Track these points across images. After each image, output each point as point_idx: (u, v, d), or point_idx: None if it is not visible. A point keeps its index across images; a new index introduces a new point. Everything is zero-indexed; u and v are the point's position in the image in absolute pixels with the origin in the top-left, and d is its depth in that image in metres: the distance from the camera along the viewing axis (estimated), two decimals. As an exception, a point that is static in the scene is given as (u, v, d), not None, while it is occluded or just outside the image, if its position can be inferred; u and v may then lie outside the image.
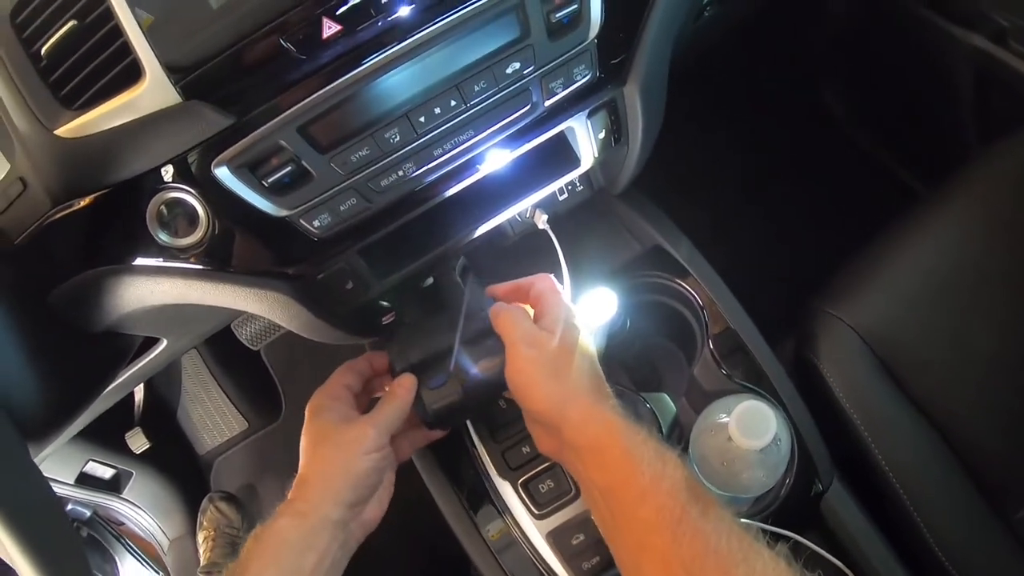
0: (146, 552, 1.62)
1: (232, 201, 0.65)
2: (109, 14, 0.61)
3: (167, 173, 0.64)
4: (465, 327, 0.75)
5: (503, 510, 0.86)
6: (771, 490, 0.84)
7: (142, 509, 1.60)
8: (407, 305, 0.80)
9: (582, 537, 0.82)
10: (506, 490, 0.86)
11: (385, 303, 0.81)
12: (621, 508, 0.61)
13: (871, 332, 0.99)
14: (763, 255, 1.53)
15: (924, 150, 1.58)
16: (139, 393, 1.60)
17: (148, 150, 0.63)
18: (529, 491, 0.85)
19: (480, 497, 0.88)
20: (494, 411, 0.87)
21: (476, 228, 0.80)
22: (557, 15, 0.66)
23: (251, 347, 1.76)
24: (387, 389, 0.75)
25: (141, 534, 1.63)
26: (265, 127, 0.62)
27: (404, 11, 0.62)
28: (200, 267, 0.69)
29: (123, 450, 1.58)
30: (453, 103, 0.66)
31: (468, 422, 0.88)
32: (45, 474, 0.69)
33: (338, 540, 0.68)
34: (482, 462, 0.87)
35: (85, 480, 1.52)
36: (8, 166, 0.67)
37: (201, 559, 1.57)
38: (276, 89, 0.62)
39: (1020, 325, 0.99)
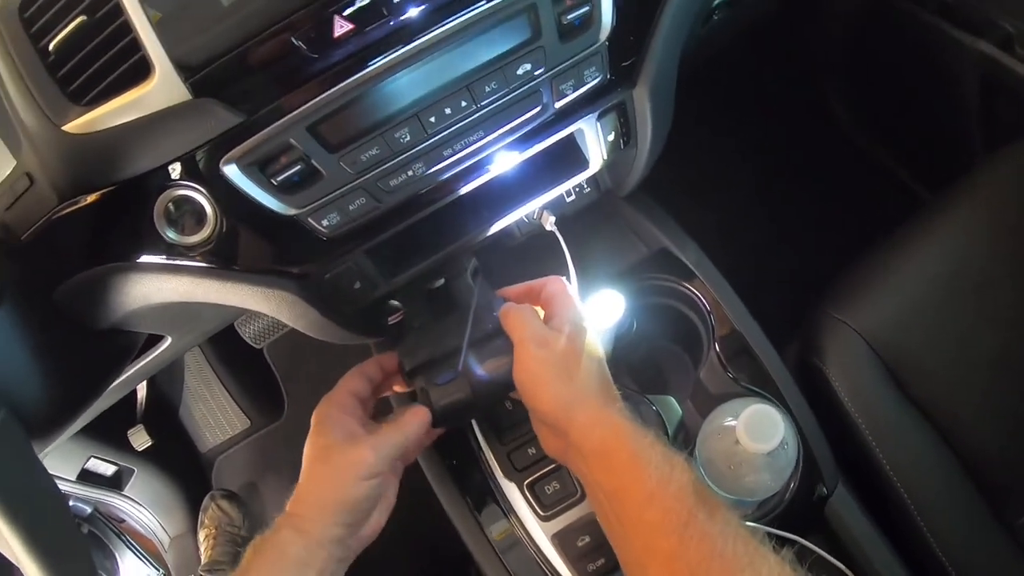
0: (147, 549, 1.61)
1: (240, 199, 0.64)
2: (119, 10, 0.61)
3: (175, 171, 0.63)
4: (474, 327, 0.75)
5: (507, 510, 0.86)
6: (776, 493, 0.84)
7: (143, 506, 1.60)
8: (417, 306, 0.80)
9: (587, 539, 0.82)
10: (512, 491, 0.86)
11: (395, 302, 0.81)
12: (627, 511, 0.61)
13: (876, 337, 0.99)
14: (769, 259, 1.54)
15: (930, 155, 1.58)
16: (142, 390, 1.60)
17: (156, 147, 0.62)
18: (535, 492, 0.85)
19: (484, 497, 0.88)
20: (500, 412, 0.87)
21: (484, 229, 0.80)
22: (569, 17, 0.66)
23: (254, 345, 1.76)
24: (399, 411, 0.74)
25: (142, 531, 1.63)
26: (275, 125, 0.61)
27: (416, 11, 0.61)
28: (207, 265, 0.68)
29: (125, 447, 1.58)
30: (464, 104, 0.66)
31: (474, 423, 0.88)
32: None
33: (336, 556, 0.68)
34: (488, 463, 0.87)
35: (87, 477, 1.52)
36: (13, 163, 0.67)
37: (202, 557, 1.57)
38: (286, 87, 0.61)
39: (1024, 332, 0.99)
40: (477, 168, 0.72)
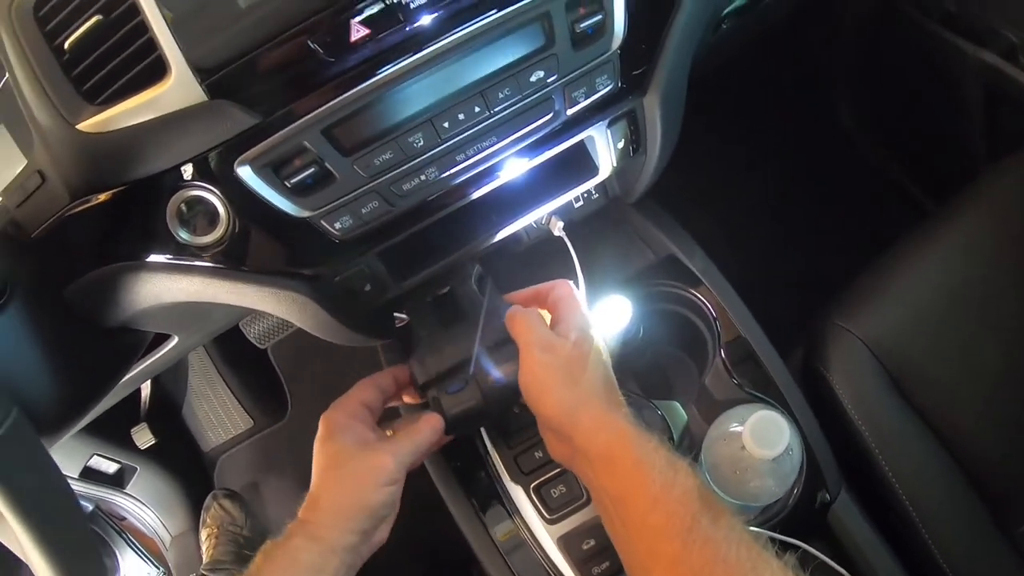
0: (148, 548, 1.61)
1: (253, 201, 0.65)
2: (135, 10, 0.61)
3: (187, 171, 0.64)
4: (484, 333, 0.75)
5: (512, 512, 0.87)
6: (779, 499, 0.85)
7: (145, 505, 1.60)
8: (423, 315, 0.80)
9: (592, 542, 0.82)
10: (518, 494, 0.86)
11: (400, 315, 0.81)
12: (632, 515, 0.61)
13: (880, 345, 0.99)
14: (775, 266, 1.54)
15: (934, 165, 1.59)
16: (146, 389, 1.60)
17: (171, 148, 0.63)
18: (541, 496, 0.85)
19: (489, 498, 0.88)
20: (508, 416, 0.87)
21: (494, 233, 0.80)
22: (582, 25, 0.67)
23: (259, 345, 1.76)
24: (409, 417, 0.75)
25: (143, 530, 1.63)
26: (289, 128, 0.62)
27: (431, 18, 0.62)
28: (219, 265, 0.69)
29: (128, 445, 1.58)
30: (477, 109, 0.66)
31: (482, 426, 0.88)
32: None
33: (348, 563, 0.68)
34: (494, 466, 0.88)
35: (89, 474, 1.52)
36: (23, 161, 0.67)
37: (204, 557, 1.57)
38: (302, 91, 0.62)
39: (1028, 342, 1.00)
40: (489, 173, 0.73)
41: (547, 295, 0.77)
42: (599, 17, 0.67)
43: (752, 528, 0.81)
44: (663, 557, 0.58)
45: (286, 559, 0.65)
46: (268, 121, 0.62)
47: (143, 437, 1.58)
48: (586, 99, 0.72)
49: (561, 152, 0.76)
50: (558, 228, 0.88)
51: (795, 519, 0.85)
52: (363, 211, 0.68)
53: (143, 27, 0.61)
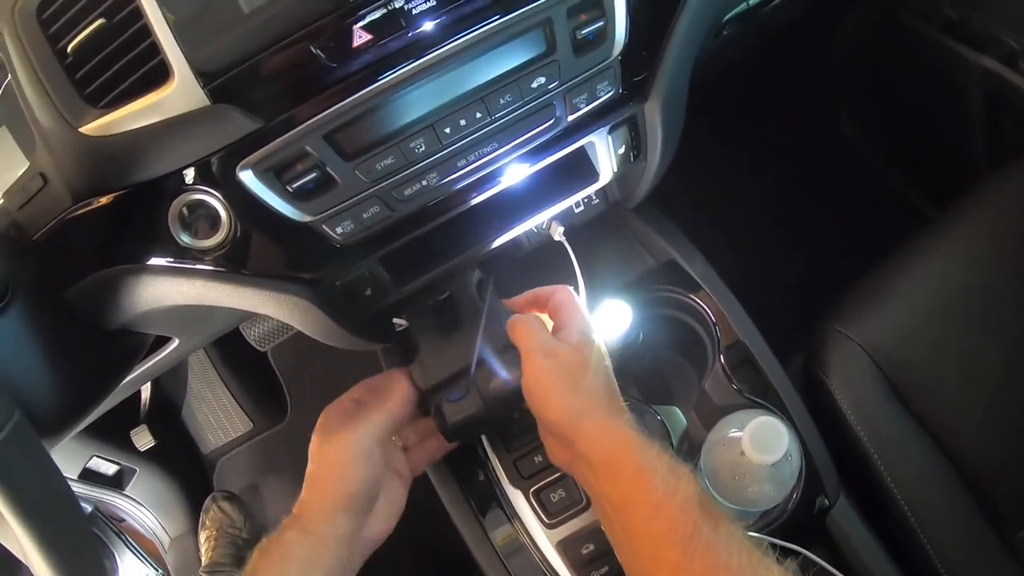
0: (147, 550, 1.61)
1: (255, 205, 0.65)
2: (138, 13, 0.61)
3: (189, 175, 0.64)
4: (485, 340, 0.75)
5: (512, 516, 0.87)
6: (778, 505, 0.85)
7: (144, 506, 1.60)
8: (423, 321, 0.80)
9: (592, 547, 0.83)
10: (517, 499, 0.86)
11: (399, 320, 0.81)
12: (633, 522, 0.61)
13: (880, 351, 0.99)
14: (775, 271, 1.54)
15: (935, 171, 1.59)
16: (145, 391, 1.60)
17: (173, 152, 0.63)
18: (540, 500, 0.85)
19: (488, 502, 0.88)
20: (508, 420, 0.87)
21: (495, 238, 0.81)
22: (583, 32, 0.67)
23: (258, 348, 1.76)
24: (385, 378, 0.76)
25: (142, 531, 1.63)
26: (291, 133, 0.62)
27: (433, 24, 0.62)
28: (220, 269, 0.69)
29: (127, 447, 1.58)
30: (478, 115, 0.67)
31: (481, 431, 0.88)
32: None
33: (343, 556, 0.68)
34: (494, 470, 0.88)
35: (88, 476, 1.52)
36: (25, 163, 0.67)
37: (203, 559, 1.57)
38: (304, 96, 0.62)
39: (1027, 349, 1.00)
40: (490, 179, 0.73)
41: (547, 299, 0.77)
42: (600, 24, 0.67)
43: (751, 534, 0.81)
44: (665, 563, 0.58)
45: (280, 553, 0.66)
46: (270, 126, 0.62)
47: (142, 439, 1.58)
48: (587, 105, 0.72)
49: (562, 158, 0.76)
50: (558, 233, 0.88)
51: (794, 524, 0.85)
52: (364, 216, 0.68)
53: (146, 31, 0.61)
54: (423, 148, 0.66)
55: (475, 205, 0.75)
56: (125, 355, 0.85)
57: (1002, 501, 0.96)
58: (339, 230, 0.68)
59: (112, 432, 1.55)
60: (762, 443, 0.70)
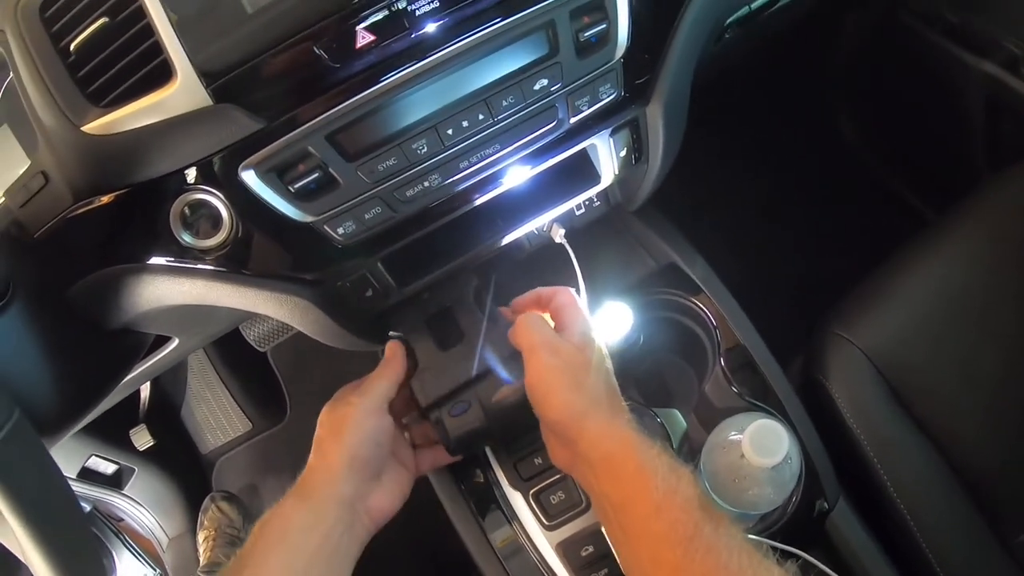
0: (145, 549, 1.61)
1: (257, 205, 0.65)
2: (141, 13, 0.61)
3: (191, 174, 0.64)
4: (485, 352, 0.75)
5: (511, 517, 0.87)
6: (778, 507, 0.85)
7: (143, 506, 1.60)
8: (424, 338, 0.80)
9: (591, 549, 0.82)
10: (517, 500, 0.86)
11: (395, 333, 0.82)
12: (633, 522, 0.61)
13: (879, 354, 0.99)
14: (775, 275, 1.54)
15: (934, 175, 1.59)
16: (145, 390, 1.60)
17: (176, 151, 0.63)
18: (540, 502, 0.85)
19: (488, 503, 0.88)
20: (512, 431, 0.87)
21: (497, 240, 0.81)
22: (586, 34, 0.67)
23: (258, 348, 1.76)
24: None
25: (140, 531, 1.62)
26: (294, 133, 0.62)
27: (436, 25, 0.62)
28: (221, 269, 0.69)
29: (126, 446, 1.58)
30: (481, 117, 0.67)
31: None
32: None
33: (343, 522, 0.69)
34: (494, 472, 0.88)
35: (87, 475, 1.52)
36: (27, 162, 0.67)
37: (201, 559, 1.57)
38: (307, 96, 0.62)
39: (1026, 350, 1.00)
40: (492, 180, 0.73)
41: (549, 299, 0.78)
42: (603, 26, 0.67)
43: (752, 536, 0.81)
44: (665, 564, 0.58)
45: (280, 521, 0.67)
46: (273, 126, 0.62)
47: (141, 438, 1.58)
48: (589, 108, 0.72)
49: (563, 160, 0.76)
50: (559, 235, 0.88)
51: (793, 527, 0.86)
52: (366, 217, 0.68)
53: (149, 30, 0.61)
54: (425, 149, 0.66)
55: (477, 206, 0.75)
56: (125, 354, 0.85)
57: (1001, 504, 0.97)
58: (341, 231, 0.68)
59: (111, 431, 1.55)
60: (762, 446, 0.70)
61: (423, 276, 0.79)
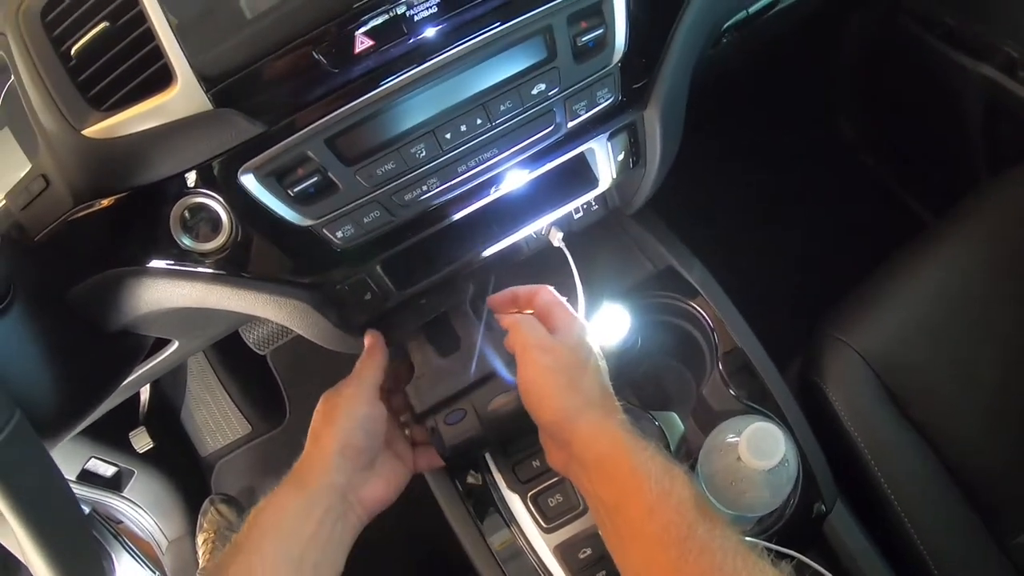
0: (144, 552, 1.61)
1: (256, 209, 0.65)
2: (142, 17, 0.61)
3: (191, 178, 0.64)
4: (481, 360, 0.76)
5: (509, 520, 0.87)
6: (775, 510, 0.85)
7: (142, 508, 1.59)
8: (420, 344, 0.81)
9: (589, 551, 0.83)
10: (515, 503, 0.86)
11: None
12: (628, 524, 0.61)
13: (877, 357, 1.00)
14: (773, 278, 1.54)
15: (933, 178, 1.59)
16: (144, 393, 1.60)
17: (176, 155, 0.63)
18: (538, 504, 0.85)
19: (486, 507, 0.88)
20: (508, 437, 0.87)
21: (495, 243, 0.81)
22: (583, 39, 0.67)
23: (257, 351, 1.76)
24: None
25: (140, 533, 1.62)
26: (293, 137, 0.62)
27: (434, 30, 0.62)
28: (221, 272, 0.69)
29: (126, 449, 1.57)
30: (479, 121, 0.67)
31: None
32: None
33: (336, 510, 0.69)
34: (492, 474, 0.88)
35: (86, 477, 1.51)
36: (28, 165, 0.68)
37: (200, 561, 1.56)
38: (306, 100, 0.62)
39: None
40: (490, 184, 0.73)
41: (528, 299, 0.78)
42: (600, 31, 0.68)
43: (748, 539, 0.81)
44: (659, 566, 0.58)
45: (274, 508, 0.67)
46: (272, 130, 0.62)
47: (141, 441, 1.58)
48: (587, 112, 0.72)
49: (561, 164, 0.76)
50: (557, 239, 0.88)
51: (791, 530, 0.86)
52: (365, 220, 0.68)
53: (149, 35, 0.61)
54: (424, 154, 0.66)
55: (475, 210, 0.75)
56: (125, 357, 0.85)
57: (998, 507, 0.97)
58: (340, 234, 0.68)
59: (111, 434, 1.55)
60: (758, 448, 0.70)
61: (422, 279, 0.79)
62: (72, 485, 1.45)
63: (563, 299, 0.78)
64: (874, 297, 1.05)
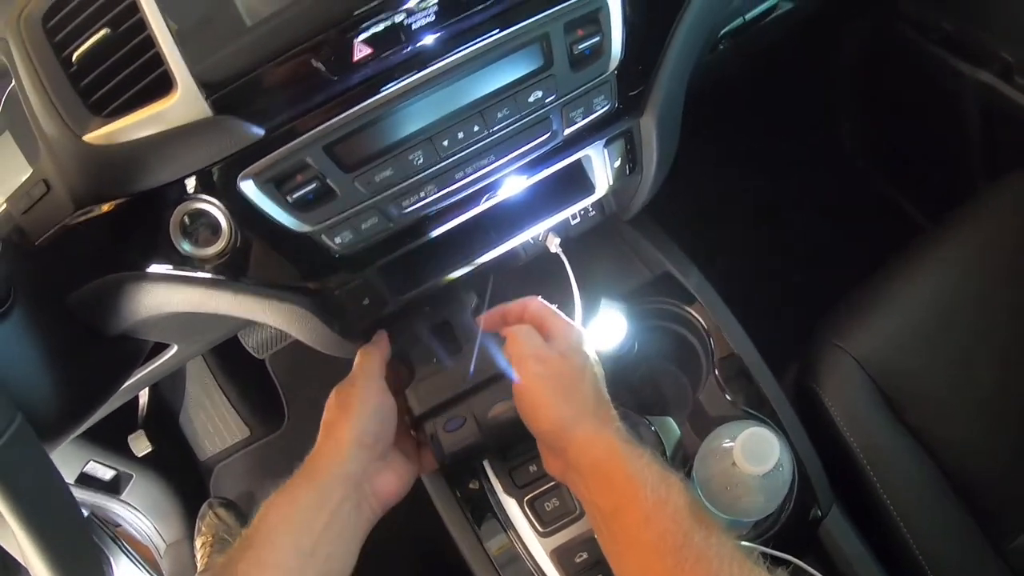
0: (142, 555, 1.61)
1: (256, 215, 0.65)
2: (142, 24, 0.61)
3: (191, 184, 0.64)
4: (480, 366, 0.76)
5: (506, 525, 0.87)
6: (771, 515, 0.85)
7: (141, 512, 1.59)
8: (421, 349, 0.81)
9: (586, 555, 0.83)
10: (512, 507, 0.86)
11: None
12: (624, 531, 0.62)
13: (873, 363, 1.00)
14: (770, 283, 1.55)
15: (930, 183, 1.59)
16: (143, 396, 1.60)
17: (176, 161, 0.63)
18: (535, 509, 0.86)
19: (483, 511, 0.88)
20: (506, 443, 0.87)
21: (492, 250, 0.81)
22: (580, 47, 0.68)
23: (256, 355, 1.75)
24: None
25: (138, 537, 1.62)
26: (292, 144, 0.63)
27: (432, 38, 0.63)
28: (220, 277, 0.69)
29: (124, 452, 1.57)
30: (476, 128, 0.67)
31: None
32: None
33: (351, 500, 0.69)
34: (489, 479, 0.88)
35: (85, 480, 1.51)
36: (29, 169, 0.68)
37: (198, 565, 1.56)
38: (305, 108, 0.63)
39: (1020, 359, 1.00)
40: (487, 191, 0.74)
41: (518, 315, 0.78)
42: (597, 39, 0.68)
43: (743, 543, 0.81)
44: (655, 574, 0.59)
45: (286, 501, 0.67)
46: (271, 137, 0.63)
47: (140, 444, 1.57)
48: (583, 119, 0.73)
49: (558, 170, 0.77)
50: (555, 245, 0.89)
51: (786, 534, 0.86)
52: (363, 227, 0.69)
53: (150, 42, 0.61)
54: (421, 160, 0.67)
55: (472, 217, 0.76)
56: (124, 360, 0.86)
57: (994, 511, 0.97)
58: (338, 240, 0.69)
59: (109, 437, 1.55)
60: (753, 454, 0.71)
61: (419, 285, 0.79)
62: (71, 488, 1.45)
63: (554, 307, 0.78)
64: (871, 303, 1.05)
